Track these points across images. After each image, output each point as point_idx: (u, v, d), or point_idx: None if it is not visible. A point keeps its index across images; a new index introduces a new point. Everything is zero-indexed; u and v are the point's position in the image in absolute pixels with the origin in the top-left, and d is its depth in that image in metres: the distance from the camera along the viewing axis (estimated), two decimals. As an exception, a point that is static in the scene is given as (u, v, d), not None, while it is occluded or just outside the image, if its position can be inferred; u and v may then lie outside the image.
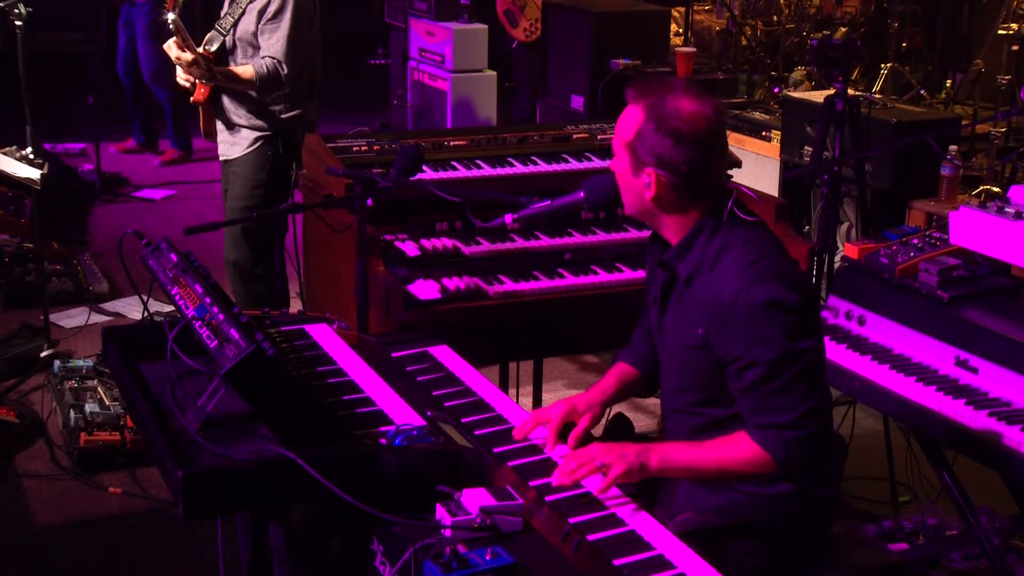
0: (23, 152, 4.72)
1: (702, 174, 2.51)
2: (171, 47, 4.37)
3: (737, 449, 2.49)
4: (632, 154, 2.52)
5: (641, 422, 4.46)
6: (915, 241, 3.54)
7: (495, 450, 2.57)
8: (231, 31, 4.49)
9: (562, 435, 2.65)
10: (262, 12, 4.41)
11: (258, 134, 4.54)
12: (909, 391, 3.13)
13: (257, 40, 4.43)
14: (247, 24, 4.45)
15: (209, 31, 4.56)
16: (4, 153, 4.71)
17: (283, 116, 4.53)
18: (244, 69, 4.44)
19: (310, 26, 4.51)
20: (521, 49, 7.63)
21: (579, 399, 2.75)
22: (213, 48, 4.47)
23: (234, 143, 4.60)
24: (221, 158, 4.70)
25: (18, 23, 4.65)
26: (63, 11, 8.48)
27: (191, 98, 4.56)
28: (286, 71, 4.40)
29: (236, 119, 4.55)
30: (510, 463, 2.53)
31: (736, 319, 2.45)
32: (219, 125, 4.63)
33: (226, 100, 4.55)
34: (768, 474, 2.50)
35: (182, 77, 4.55)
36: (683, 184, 2.50)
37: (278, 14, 4.39)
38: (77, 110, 7.94)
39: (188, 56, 4.33)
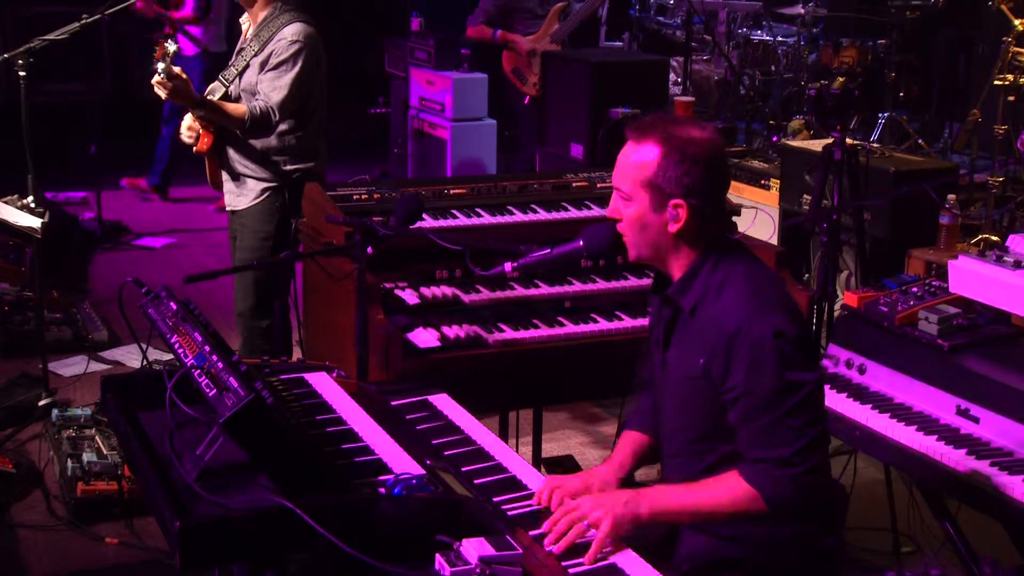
0: (24, 201, 4.73)
1: (720, 199, 2.57)
2: (156, 84, 4.27)
3: (728, 489, 2.47)
4: (654, 191, 2.52)
5: (638, 472, 4.43)
6: (915, 290, 3.55)
7: (495, 499, 2.55)
8: (235, 82, 4.51)
9: None
10: (265, 63, 4.43)
11: (264, 185, 4.54)
12: (910, 440, 3.12)
13: (258, 90, 4.44)
14: (250, 76, 4.46)
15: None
16: (5, 202, 4.72)
17: (288, 167, 4.53)
18: (237, 106, 4.43)
19: (314, 82, 4.50)
20: (531, 105, 7.70)
21: (595, 478, 2.69)
22: (215, 98, 4.48)
23: (240, 194, 4.60)
24: (228, 208, 4.70)
25: (22, 73, 4.68)
26: (65, 62, 8.54)
27: (194, 148, 4.56)
28: (277, 118, 4.39)
29: (241, 169, 4.56)
30: (510, 513, 2.51)
31: (739, 349, 2.45)
32: (224, 176, 4.64)
33: (231, 150, 4.55)
34: (766, 517, 2.46)
35: (185, 134, 4.56)
36: (708, 210, 2.53)
37: (282, 65, 4.39)
38: (79, 159, 7.99)
39: (170, 84, 4.19)
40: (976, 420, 3.10)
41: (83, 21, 4.74)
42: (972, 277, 3.38)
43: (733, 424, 2.51)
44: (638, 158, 2.54)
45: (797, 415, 2.44)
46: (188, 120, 4.55)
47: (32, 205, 4.72)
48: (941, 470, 3.02)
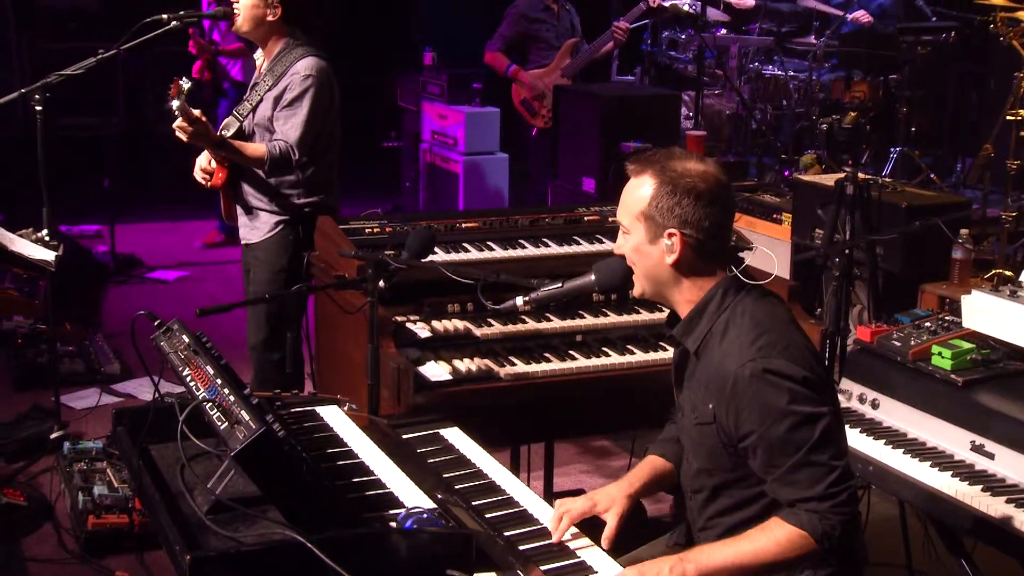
0: (39, 234, 4.75)
1: (722, 231, 2.55)
2: (176, 128, 4.30)
3: (774, 536, 2.43)
4: (649, 222, 2.53)
5: (651, 507, 4.41)
6: (928, 324, 3.54)
7: (506, 534, 2.54)
8: (248, 116, 4.53)
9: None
10: (279, 98, 4.45)
11: (278, 218, 4.56)
12: (924, 476, 3.10)
13: (273, 125, 4.47)
14: (264, 110, 4.49)
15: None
16: (20, 235, 4.75)
17: (301, 201, 4.55)
18: (256, 146, 4.44)
19: (328, 115, 4.53)
20: (539, 137, 7.74)
21: (601, 495, 2.69)
22: (230, 133, 4.51)
23: (254, 227, 4.62)
24: (242, 242, 4.71)
25: (38, 108, 4.71)
26: (80, 96, 8.61)
27: (209, 183, 4.58)
28: (297, 156, 4.41)
29: (255, 203, 4.57)
30: (521, 547, 2.50)
31: (743, 395, 2.43)
32: (239, 209, 4.66)
33: (245, 184, 4.57)
34: (813, 556, 2.43)
35: (198, 174, 4.58)
36: (705, 241, 2.52)
37: (295, 101, 4.42)
38: (93, 193, 8.03)
39: (190, 128, 4.22)
40: (991, 456, 3.08)
41: (99, 56, 4.78)
42: (986, 312, 3.37)
43: (757, 472, 2.49)
44: (635, 192, 2.56)
45: (821, 450, 2.42)
46: (202, 162, 4.57)
47: (46, 238, 4.74)
48: (956, 507, 3.00)
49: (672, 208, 2.50)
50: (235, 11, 4.48)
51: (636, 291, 2.64)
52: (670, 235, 2.52)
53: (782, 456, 2.42)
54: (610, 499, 2.69)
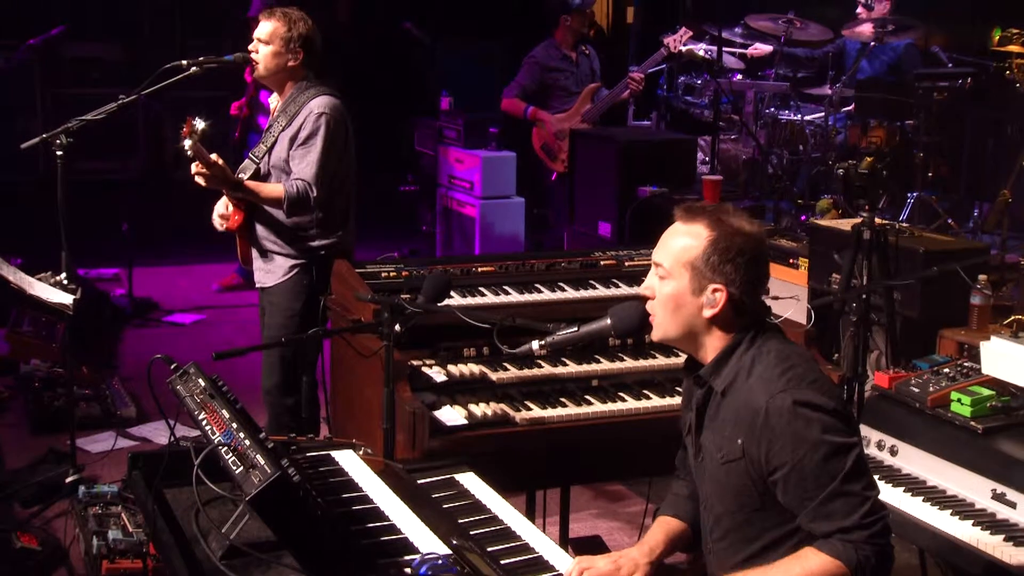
0: (57, 278, 4.77)
1: (759, 290, 2.57)
2: (195, 173, 4.32)
3: (807, 565, 2.43)
4: (695, 272, 2.53)
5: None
6: (946, 370, 3.52)
7: (521, 581, 2.52)
8: (264, 158, 4.57)
9: None
10: (294, 138, 4.49)
11: (293, 262, 4.57)
12: (945, 525, 3.07)
13: (289, 166, 4.50)
14: (279, 151, 4.52)
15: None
16: (39, 279, 4.77)
17: (316, 244, 4.56)
18: (274, 187, 4.47)
19: (342, 154, 4.56)
20: (558, 182, 7.77)
21: (625, 559, 2.68)
22: (246, 176, 4.54)
23: (269, 271, 4.63)
24: (257, 285, 4.73)
25: (59, 153, 4.75)
26: (100, 140, 8.69)
27: (225, 226, 4.60)
28: (315, 194, 4.43)
29: (270, 246, 4.59)
30: (537, 595, 2.48)
31: (774, 427, 2.43)
32: (254, 253, 4.67)
33: (260, 228, 4.60)
34: None
35: (217, 222, 4.61)
36: (744, 300, 2.54)
37: (309, 139, 4.46)
38: (111, 236, 8.08)
39: (207, 171, 4.26)
40: (1013, 505, 3.05)
41: (120, 101, 4.82)
42: (1005, 358, 3.35)
43: (787, 505, 2.48)
44: (685, 238, 2.56)
45: (854, 479, 2.43)
46: (220, 208, 4.60)
47: (65, 282, 4.76)
48: (977, 556, 2.96)
49: (723, 265, 2.52)
50: (255, 60, 4.52)
51: (657, 335, 2.63)
52: (715, 291, 2.53)
53: (816, 487, 2.42)
54: (633, 564, 2.67)
